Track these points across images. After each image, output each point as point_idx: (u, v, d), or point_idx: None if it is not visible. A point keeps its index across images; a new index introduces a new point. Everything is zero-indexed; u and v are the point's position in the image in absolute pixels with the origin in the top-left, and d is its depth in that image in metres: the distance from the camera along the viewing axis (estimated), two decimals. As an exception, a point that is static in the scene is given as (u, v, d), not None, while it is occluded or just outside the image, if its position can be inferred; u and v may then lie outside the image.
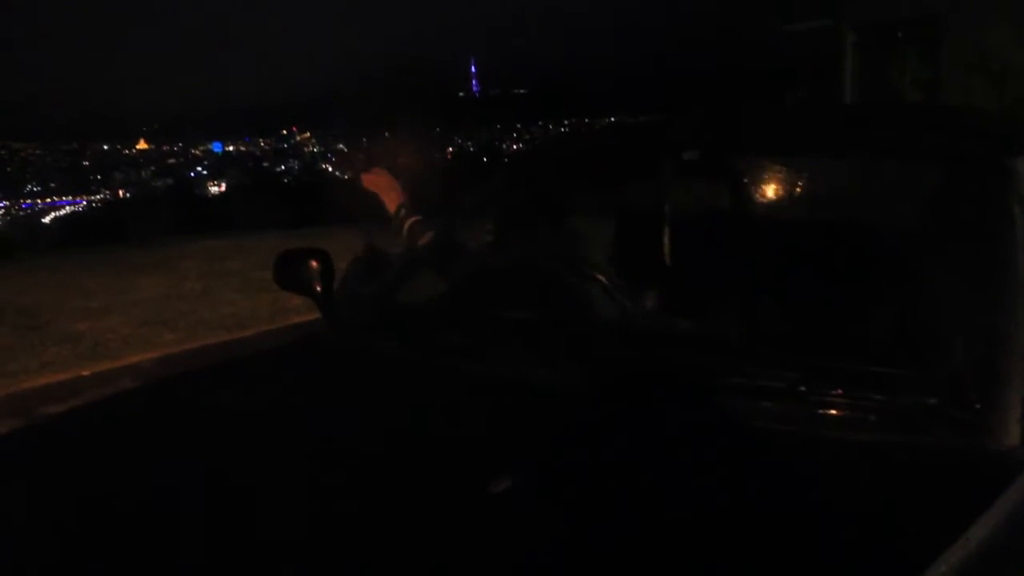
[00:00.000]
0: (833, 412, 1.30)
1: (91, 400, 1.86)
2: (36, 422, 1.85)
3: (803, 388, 1.32)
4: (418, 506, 1.12)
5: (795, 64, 20.46)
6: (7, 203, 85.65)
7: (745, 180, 1.94)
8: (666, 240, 1.95)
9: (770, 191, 1.92)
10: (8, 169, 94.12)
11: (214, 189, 78.19)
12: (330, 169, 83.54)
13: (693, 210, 1.95)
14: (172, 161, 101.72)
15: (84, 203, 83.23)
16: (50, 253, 14.44)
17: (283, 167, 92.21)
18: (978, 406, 1.25)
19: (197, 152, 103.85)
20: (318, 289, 2.23)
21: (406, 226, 2.88)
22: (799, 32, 19.73)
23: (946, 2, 14.13)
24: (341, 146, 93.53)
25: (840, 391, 1.31)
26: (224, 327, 5.94)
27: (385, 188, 3.02)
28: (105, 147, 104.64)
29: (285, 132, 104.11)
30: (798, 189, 1.94)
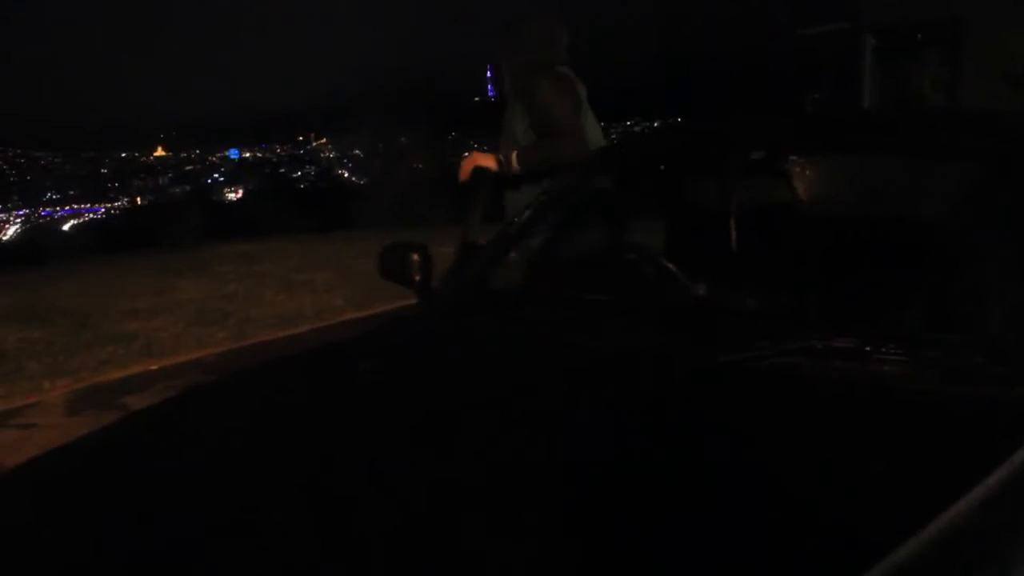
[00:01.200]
0: (897, 368, 1.50)
1: (234, 372, 2.04)
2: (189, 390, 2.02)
3: (869, 348, 1.52)
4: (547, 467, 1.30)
5: (814, 67, 20.62)
6: (27, 211, 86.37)
7: (808, 177, 2.13)
8: (733, 231, 2.14)
9: (832, 187, 2.11)
10: (28, 177, 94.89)
11: (231, 195, 78.44)
12: (347, 175, 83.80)
13: (762, 205, 2.14)
14: (189, 168, 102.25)
15: (103, 210, 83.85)
16: (82, 259, 14.70)
17: (299, 173, 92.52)
18: (1013, 363, 1.46)
19: (214, 159, 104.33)
20: (417, 279, 2.42)
21: (514, 160, 3.41)
22: (818, 35, 19.87)
23: (966, 5, 14.14)
24: (357, 152, 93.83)
25: (902, 351, 1.52)
26: (273, 325, 6.13)
27: (487, 159, 3.43)
28: (123, 155, 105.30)
29: (301, 138, 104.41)
30: (856, 185, 2.13)
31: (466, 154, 3.64)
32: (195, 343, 5.81)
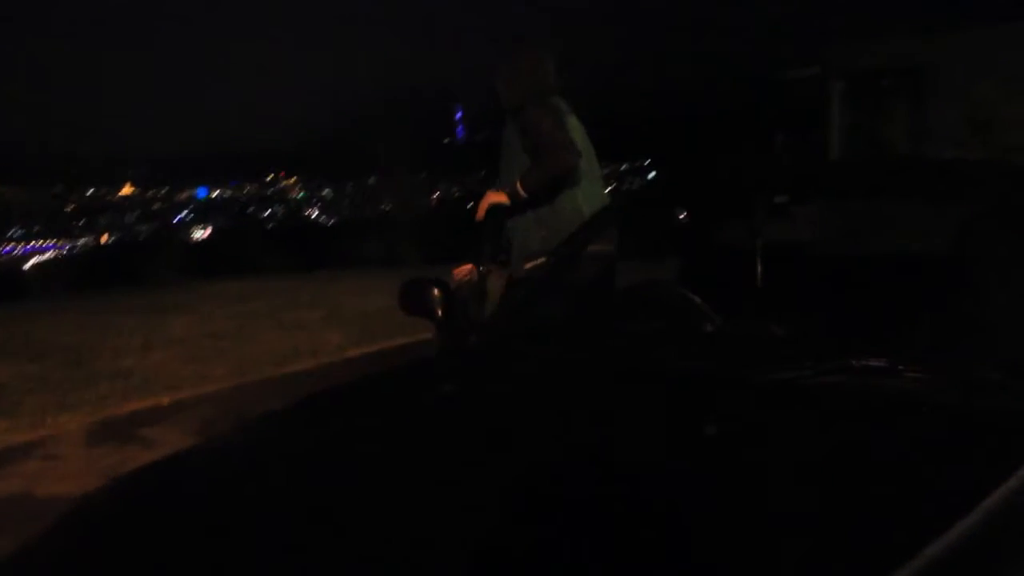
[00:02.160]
0: (925, 384, 1.68)
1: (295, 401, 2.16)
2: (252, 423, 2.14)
3: (901, 367, 1.70)
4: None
5: (784, 112, 21.10)
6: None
7: (827, 217, 2.33)
8: (760, 267, 2.32)
9: (853, 225, 2.30)
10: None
11: (198, 234, 77.86)
12: (315, 215, 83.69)
13: (786, 244, 2.32)
14: (157, 206, 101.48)
15: (67, 248, 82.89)
16: (60, 295, 14.62)
17: (267, 212, 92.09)
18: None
19: (181, 197, 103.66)
20: (439, 313, 2.56)
21: (520, 188, 3.64)
22: (788, 81, 20.35)
23: (929, 54, 14.58)
24: (327, 191, 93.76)
25: (929, 370, 1.70)
26: (273, 362, 6.21)
27: (499, 196, 3.67)
28: (90, 191, 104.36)
29: (270, 178, 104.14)
30: (874, 223, 2.32)
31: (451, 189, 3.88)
32: (195, 379, 5.85)
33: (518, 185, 3.58)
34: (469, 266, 3.67)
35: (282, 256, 20.90)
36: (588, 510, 1.30)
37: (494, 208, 3.57)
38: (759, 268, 2.33)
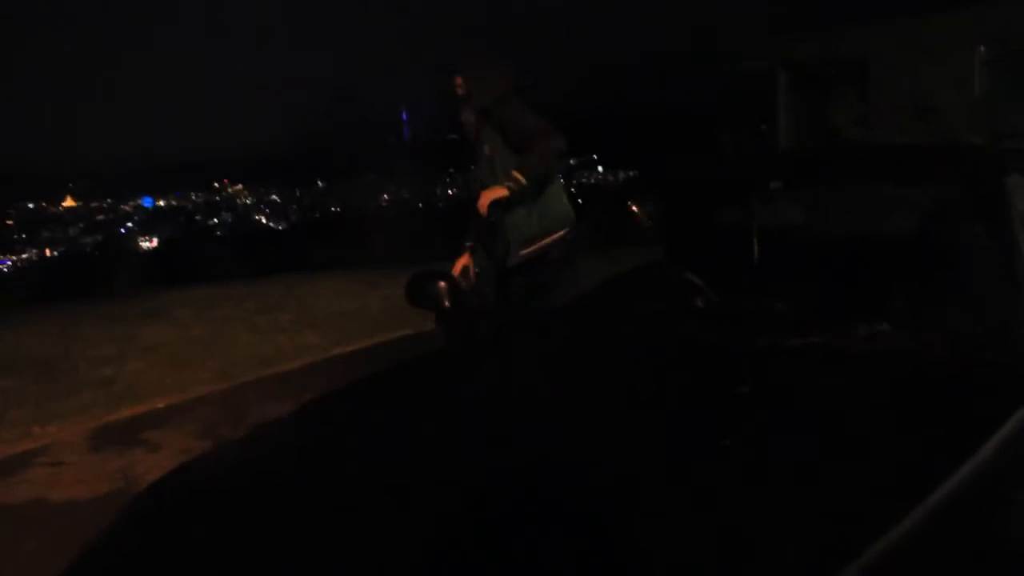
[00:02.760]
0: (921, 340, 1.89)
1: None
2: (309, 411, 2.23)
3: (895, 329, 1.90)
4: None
5: (732, 103, 21.46)
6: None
7: (818, 202, 2.52)
8: (756, 247, 2.50)
9: (840, 210, 2.49)
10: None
11: (146, 244, 76.82)
12: (264, 220, 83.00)
13: (782, 226, 2.51)
14: (101, 218, 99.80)
15: (9, 263, 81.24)
16: (17, 309, 14.36)
17: (215, 220, 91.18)
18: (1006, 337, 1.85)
19: (127, 208, 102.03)
20: (446, 305, 2.70)
21: (520, 177, 3.73)
22: (736, 73, 20.71)
23: (871, 44, 14.94)
24: (274, 197, 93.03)
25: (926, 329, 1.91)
26: (256, 365, 6.26)
27: (498, 191, 3.73)
28: (31, 205, 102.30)
29: (217, 185, 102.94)
30: (860, 208, 2.51)
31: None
32: (181, 384, 5.87)
33: (518, 175, 3.70)
34: (466, 258, 3.82)
35: (238, 262, 20.81)
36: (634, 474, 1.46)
37: (495, 203, 3.71)
38: (755, 249, 2.51)
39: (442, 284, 2.74)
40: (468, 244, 3.93)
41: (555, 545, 1.26)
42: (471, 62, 4.00)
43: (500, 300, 2.93)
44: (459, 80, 3.97)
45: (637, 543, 1.24)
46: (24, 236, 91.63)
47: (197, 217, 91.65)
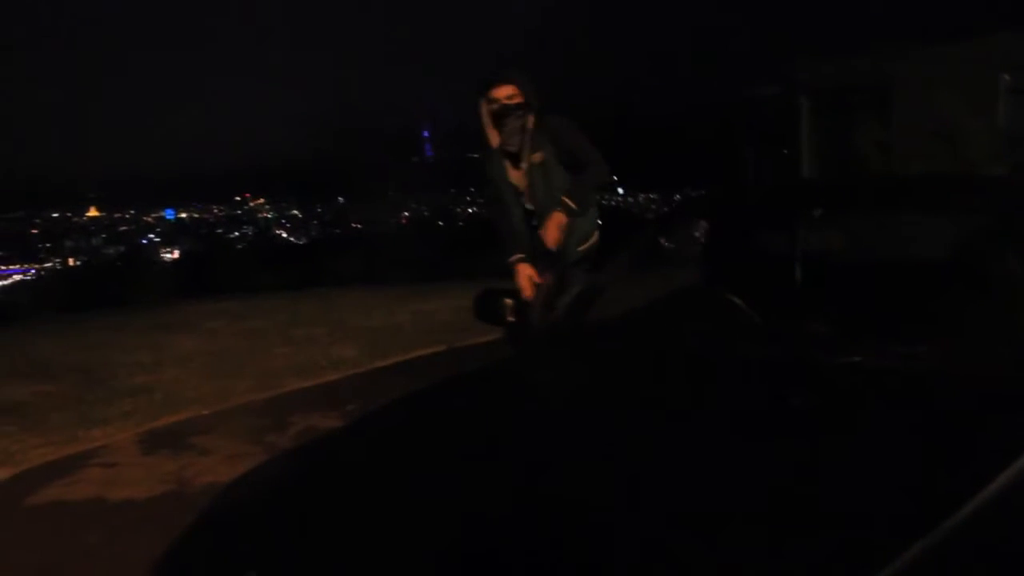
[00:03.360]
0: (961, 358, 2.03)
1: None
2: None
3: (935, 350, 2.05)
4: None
5: (754, 127, 21.59)
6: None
7: (858, 229, 2.67)
8: (798, 272, 2.66)
9: (878, 237, 2.64)
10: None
11: (167, 256, 77.31)
12: (285, 235, 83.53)
13: (822, 252, 2.66)
14: (124, 228, 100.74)
15: (34, 272, 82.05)
16: (50, 318, 14.56)
17: (236, 233, 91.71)
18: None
19: (149, 219, 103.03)
20: (511, 320, 2.87)
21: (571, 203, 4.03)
22: (755, 97, 20.84)
23: (894, 71, 15.00)
24: (295, 212, 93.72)
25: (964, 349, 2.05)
26: (295, 375, 6.42)
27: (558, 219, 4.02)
28: (55, 215, 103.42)
29: (238, 198, 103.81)
30: (896, 236, 2.67)
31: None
32: (220, 394, 6.03)
33: (569, 201, 3.97)
34: (525, 271, 4.01)
35: (262, 275, 21.03)
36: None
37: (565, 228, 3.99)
38: (797, 273, 2.66)
39: (508, 301, 2.93)
40: (515, 259, 4.11)
41: (619, 553, 1.41)
42: (519, 73, 4.20)
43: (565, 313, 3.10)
44: (512, 89, 4.14)
45: (700, 544, 1.39)
46: (48, 245, 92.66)
47: (219, 230, 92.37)
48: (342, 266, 22.48)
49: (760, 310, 2.54)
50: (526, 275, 4.05)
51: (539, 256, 4.07)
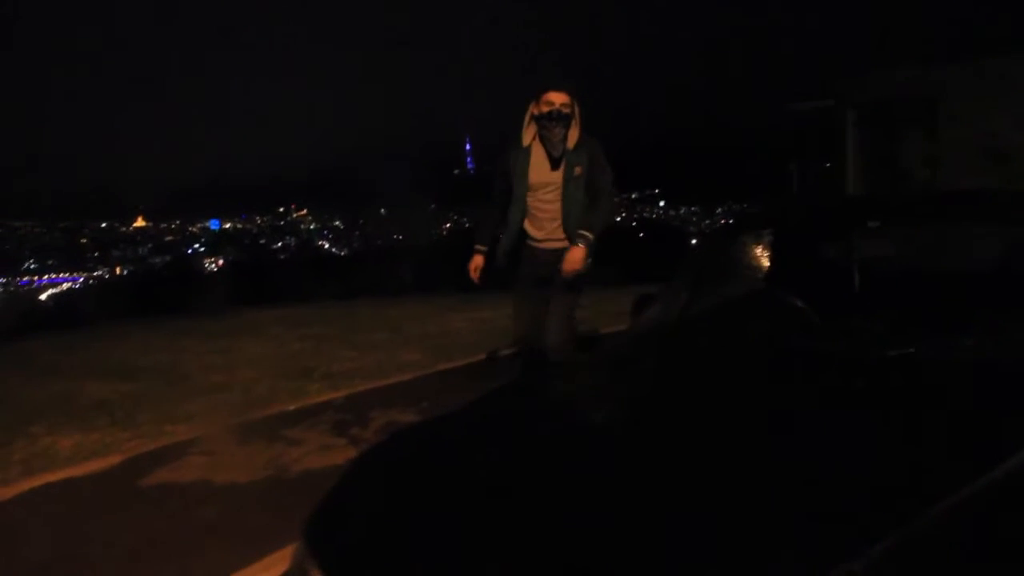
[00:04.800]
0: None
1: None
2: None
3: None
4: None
5: (799, 140, 21.70)
6: (5, 279, 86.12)
7: (912, 239, 2.93)
8: (856, 277, 2.92)
9: (931, 246, 2.90)
10: (7, 246, 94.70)
11: (211, 266, 78.45)
12: (327, 246, 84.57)
13: (878, 260, 2.92)
14: (169, 238, 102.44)
15: (81, 280, 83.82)
16: (111, 323, 14.98)
17: (279, 244, 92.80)
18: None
19: (194, 229, 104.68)
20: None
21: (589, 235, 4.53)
22: (803, 111, 20.94)
23: (942, 85, 15.05)
24: (337, 223, 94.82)
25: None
26: (364, 378, 6.71)
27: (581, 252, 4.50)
28: (103, 224, 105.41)
29: (282, 209, 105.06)
30: (945, 244, 2.92)
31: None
32: (293, 392, 6.34)
33: (587, 233, 4.46)
34: (480, 263, 4.80)
35: (311, 285, 21.50)
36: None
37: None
38: (855, 278, 2.93)
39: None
40: (479, 248, 4.80)
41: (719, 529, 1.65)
42: (573, 88, 4.54)
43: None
44: (567, 98, 4.50)
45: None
46: (97, 254, 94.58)
47: (262, 241, 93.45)
48: (389, 276, 22.94)
49: (822, 311, 2.81)
50: (478, 264, 4.77)
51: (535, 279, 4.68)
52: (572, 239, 4.51)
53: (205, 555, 3.40)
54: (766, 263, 3.32)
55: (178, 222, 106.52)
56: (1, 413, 6.49)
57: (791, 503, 1.61)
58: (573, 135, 4.55)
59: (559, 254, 4.57)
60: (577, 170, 4.54)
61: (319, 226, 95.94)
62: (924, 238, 2.99)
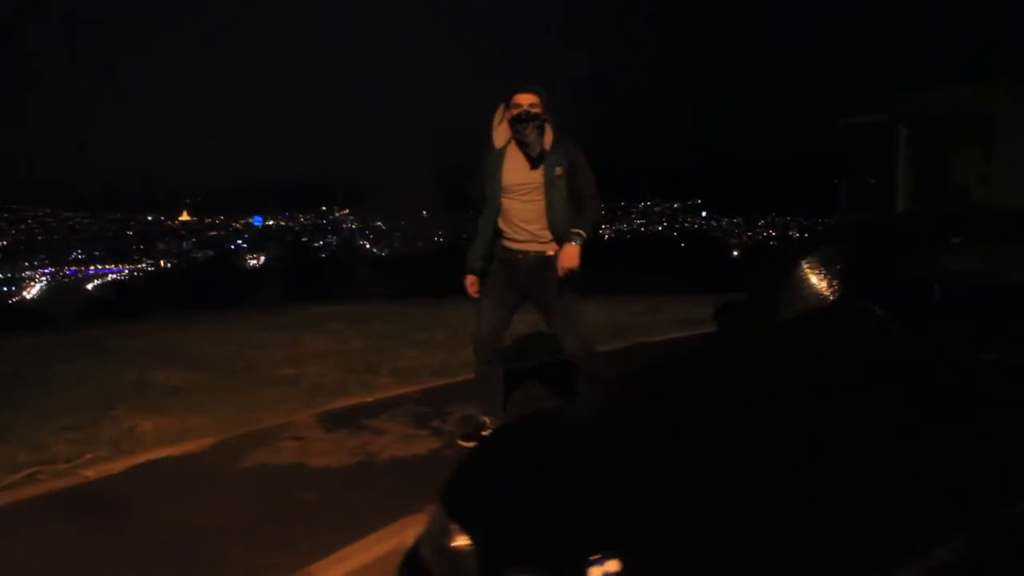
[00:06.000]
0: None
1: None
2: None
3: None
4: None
5: (846, 155, 21.65)
6: (52, 269, 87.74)
7: (993, 254, 3.09)
8: (936, 290, 3.10)
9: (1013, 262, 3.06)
10: (55, 237, 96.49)
11: (252, 262, 79.33)
12: (367, 246, 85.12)
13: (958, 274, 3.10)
14: (213, 233, 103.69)
15: (127, 271, 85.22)
16: (167, 315, 15.30)
17: (321, 242, 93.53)
18: None
19: (238, 225, 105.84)
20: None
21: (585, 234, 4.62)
22: (853, 126, 20.90)
23: (998, 102, 15.00)
24: (379, 223, 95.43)
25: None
26: (431, 374, 6.92)
27: (575, 249, 4.56)
28: (149, 218, 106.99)
29: (324, 208, 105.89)
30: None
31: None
32: (361, 387, 6.54)
33: (581, 232, 4.53)
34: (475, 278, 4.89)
35: (359, 284, 21.84)
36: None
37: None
38: (936, 291, 3.09)
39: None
40: (473, 264, 4.83)
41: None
42: (542, 88, 4.60)
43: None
44: (534, 98, 4.55)
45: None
46: (142, 247, 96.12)
47: (304, 239, 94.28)
48: (432, 277, 23.18)
49: (904, 321, 2.98)
50: (473, 279, 4.85)
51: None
52: (561, 239, 4.55)
53: (311, 532, 3.63)
54: (846, 275, 3.49)
55: (222, 217, 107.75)
56: (83, 397, 6.77)
57: (881, 494, 1.80)
58: (548, 135, 4.60)
59: (540, 258, 4.62)
60: (557, 170, 4.57)
61: (360, 225, 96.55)
62: (1005, 253, 3.15)
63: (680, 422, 2.33)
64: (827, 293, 3.41)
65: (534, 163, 4.60)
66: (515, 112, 4.54)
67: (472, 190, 4.83)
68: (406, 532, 3.54)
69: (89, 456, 4.97)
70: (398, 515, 3.73)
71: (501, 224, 4.74)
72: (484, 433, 4.63)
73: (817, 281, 3.47)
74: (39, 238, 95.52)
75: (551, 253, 4.61)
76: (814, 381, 2.54)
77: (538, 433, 2.53)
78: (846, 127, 21.30)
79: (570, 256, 4.47)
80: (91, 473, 4.60)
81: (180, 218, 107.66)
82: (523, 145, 4.59)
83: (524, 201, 4.64)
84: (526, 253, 4.69)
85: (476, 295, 4.85)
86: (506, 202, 4.68)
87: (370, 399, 5.92)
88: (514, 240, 4.72)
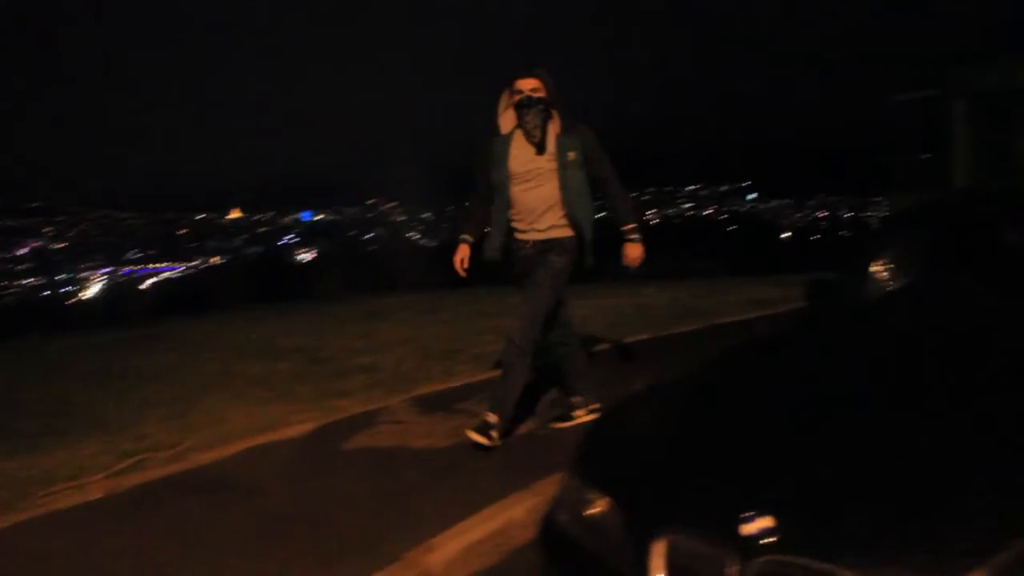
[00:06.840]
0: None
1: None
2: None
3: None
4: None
5: (904, 130, 21.45)
6: (110, 269, 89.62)
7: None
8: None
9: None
10: (110, 238, 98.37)
11: (302, 257, 79.99)
12: (416, 237, 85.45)
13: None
14: (263, 229, 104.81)
15: (181, 270, 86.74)
16: (235, 309, 15.54)
17: (370, 235, 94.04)
18: None
19: (287, 221, 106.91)
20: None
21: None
22: (909, 101, 20.66)
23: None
24: (428, 214, 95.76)
25: None
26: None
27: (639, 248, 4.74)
28: (199, 216, 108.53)
29: (371, 202, 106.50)
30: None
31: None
32: (442, 374, 6.70)
33: (636, 226, 4.70)
34: (465, 254, 4.82)
35: (416, 274, 21.99)
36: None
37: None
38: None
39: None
40: (464, 238, 4.82)
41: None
42: (545, 72, 4.57)
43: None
44: (536, 83, 4.51)
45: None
46: (194, 245, 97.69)
47: (352, 232, 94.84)
48: (489, 265, 23.31)
49: (999, 294, 3.06)
50: (464, 255, 4.76)
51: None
52: (578, 227, 4.55)
53: (422, 510, 3.80)
54: (939, 249, 3.57)
55: (272, 213, 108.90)
56: (172, 387, 7.04)
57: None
58: (555, 119, 4.56)
59: (548, 244, 4.58)
60: (570, 155, 4.52)
61: (408, 217, 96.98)
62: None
63: (808, 388, 2.45)
64: (918, 271, 3.50)
65: (539, 148, 4.55)
66: (516, 98, 4.53)
67: (477, 178, 4.78)
68: (514, 508, 3.73)
69: (189, 443, 5.20)
70: (504, 492, 3.89)
71: (511, 214, 4.68)
72: (492, 433, 4.48)
73: (910, 257, 3.56)
74: (95, 239, 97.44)
75: (566, 236, 4.62)
76: (929, 353, 2.64)
77: (661, 403, 2.67)
78: (901, 102, 21.07)
79: (634, 258, 4.64)
80: (202, 458, 4.83)
81: (230, 215, 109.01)
82: (526, 130, 4.55)
83: (530, 188, 4.58)
84: (529, 241, 4.65)
85: (464, 272, 4.78)
86: (515, 190, 4.61)
87: (456, 384, 6.08)
88: (520, 229, 4.68)
